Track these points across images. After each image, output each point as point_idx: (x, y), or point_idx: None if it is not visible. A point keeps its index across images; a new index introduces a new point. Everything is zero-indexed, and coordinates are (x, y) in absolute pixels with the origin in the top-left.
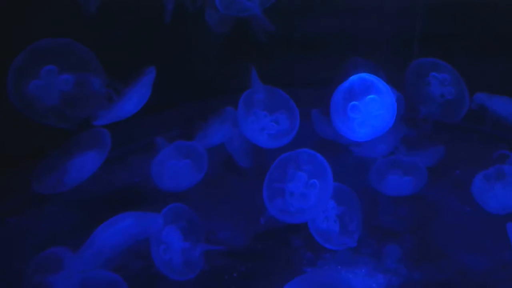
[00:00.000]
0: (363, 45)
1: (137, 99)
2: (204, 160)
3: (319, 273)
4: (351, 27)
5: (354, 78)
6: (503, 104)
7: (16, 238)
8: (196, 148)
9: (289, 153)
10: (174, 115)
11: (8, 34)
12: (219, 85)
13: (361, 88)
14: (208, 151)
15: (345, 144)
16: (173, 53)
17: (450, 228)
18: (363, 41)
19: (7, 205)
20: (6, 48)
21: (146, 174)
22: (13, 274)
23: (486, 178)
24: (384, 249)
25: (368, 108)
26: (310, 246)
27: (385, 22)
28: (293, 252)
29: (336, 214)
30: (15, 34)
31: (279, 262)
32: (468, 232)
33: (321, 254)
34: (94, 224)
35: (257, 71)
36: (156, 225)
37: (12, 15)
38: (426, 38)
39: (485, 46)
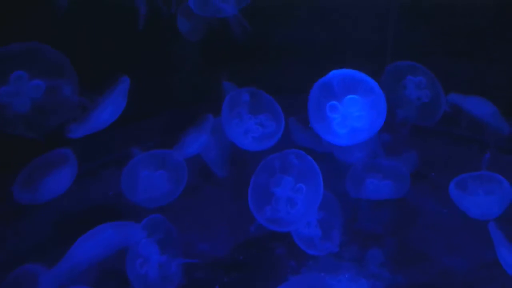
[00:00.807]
0: (339, 51)
1: (112, 109)
2: (182, 171)
3: (303, 279)
4: (328, 34)
5: (334, 73)
6: (477, 104)
7: None
8: (173, 157)
9: (276, 154)
10: (150, 126)
11: None
12: (196, 94)
13: (342, 86)
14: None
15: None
16: (148, 61)
17: (429, 230)
18: (338, 47)
19: None
20: None
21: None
22: None
23: (464, 183)
24: (366, 254)
25: (348, 108)
26: (292, 254)
27: (361, 28)
28: (276, 260)
29: (317, 220)
30: None
31: (262, 270)
32: (447, 234)
33: (304, 261)
34: (68, 240)
35: (234, 78)
36: (136, 235)
37: None
38: (402, 42)
39: (458, 48)
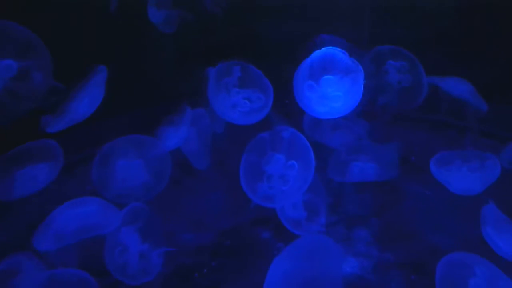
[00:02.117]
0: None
1: (89, 100)
2: (165, 162)
3: (306, 240)
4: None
5: (316, 54)
6: (454, 84)
7: None
8: (155, 145)
9: (266, 132)
10: (127, 121)
11: None
12: (172, 87)
13: (320, 66)
14: None
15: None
16: (121, 55)
17: (414, 211)
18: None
19: None
20: None
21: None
22: None
23: (447, 159)
24: (353, 234)
25: (324, 88)
26: (279, 236)
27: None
28: (263, 244)
29: (303, 201)
30: None
31: (250, 254)
32: (432, 214)
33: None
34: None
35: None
36: (115, 221)
37: None
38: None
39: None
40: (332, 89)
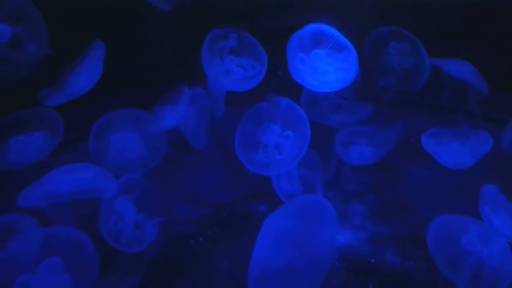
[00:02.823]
0: None
1: (88, 75)
2: (161, 138)
3: (300, 199)
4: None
5: (308, 27)
6: (456, 66)
7: None
8: (150, 120)
9: (262, 103)
10: (126, 100)
11: None
12: (171, 67)
13: (312, 40)
14: None
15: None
16: (119, 34)
17: (411, 189)
18: None
19: None
20: None
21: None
22: None
23: (438, 134)
24: (349, 209)
25: (314, 62)
26: (275, 210)
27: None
28: (258, 216)
29: (299, 176)
30: None
31: (245, 225)
32: (428, 191)
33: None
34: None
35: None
36: (110, 189)
37: None
38: None
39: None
40: (322, 63)
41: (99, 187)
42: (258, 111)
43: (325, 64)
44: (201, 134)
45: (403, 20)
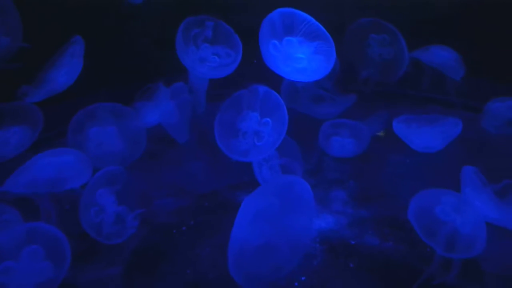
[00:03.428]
0: None
1: (68, 70)
2: (140, 132)
3: (277, 180)
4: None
5: (279, 12)
6: (438, 52)
7: None
8: (130, 114)
9: (241, 91)
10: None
11: None
12: (149, 63)
13: (282, 26)
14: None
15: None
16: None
17: (392, 175)
18: None
19: None
20: None
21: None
22: None
23: (409, 119)
24: (330, 195)
25: (288, 49)
26: None
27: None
28: (240, 205)
29: (280, 164)
30: None
31: (227, 214)
32: (409, 177)
33: None
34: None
35: None
36: (88, 174)
37: None
38: None
39: None
40: (295, 50)
41: (78, 171)
42: (237, 99)
43: (298, 52)
44: (183, 128)
45: (383, 12)
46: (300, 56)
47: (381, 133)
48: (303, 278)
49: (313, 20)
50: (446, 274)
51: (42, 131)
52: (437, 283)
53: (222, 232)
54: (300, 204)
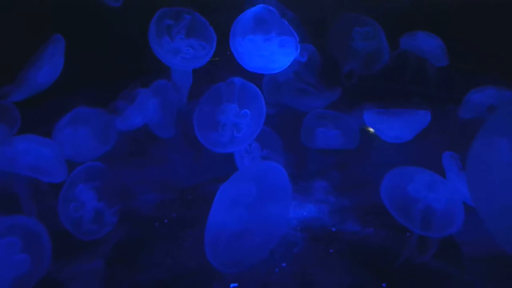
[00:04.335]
0: None
1: (49, 68)
2: (110, 129)
3: (254, 166)
4: None
5: (249, 11)
6: (426, 39)
7: None
8: (98, 115)
9: (219, 83)
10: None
11: None
12: (129, 62)
13: (253, 24)
14: None
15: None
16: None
17: (375, 166)
18: None
19: None
20: None
21: None
22: None
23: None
24: (312, 185)
25: (251, 46)
26: None
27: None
28: None
29: (261, 156)
30: None
31: (209, 206)
32: (392, 166)
33: None
34: None
35: None
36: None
37: None
38: None
39: None
40: (260, 47)
41: (52, 168)
42: (215, 92)
43: (262, 48)
44: (167, 125)
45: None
46: (266, 53)
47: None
48: (283, 265)
49: (279, 17)
50: (424, 254)
51: (23, 130)
52: (416, 265)
53: (204, 224)
54: (277, 189)
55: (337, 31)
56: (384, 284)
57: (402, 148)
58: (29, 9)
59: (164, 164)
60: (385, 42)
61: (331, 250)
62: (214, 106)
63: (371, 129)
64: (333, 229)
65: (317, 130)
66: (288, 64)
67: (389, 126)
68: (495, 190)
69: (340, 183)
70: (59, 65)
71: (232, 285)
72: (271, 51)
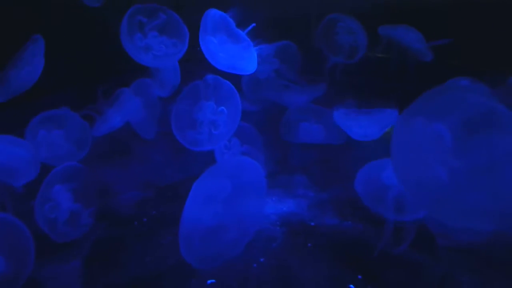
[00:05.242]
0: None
1: (30, 69)
2: (86, 134)
3: (228, 161)
4: None
5: (209, 13)
6: (405, 32)
7: None
8: (74, 118)
9: (196, 81)
10: (68, 96)
11: None
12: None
13: (213, 25)
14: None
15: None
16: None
17: (355, 159)
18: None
19: None
20: None
21: None
22: None
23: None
24: (292, 180)
25: (210, 45)
26: None
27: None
28: None
29: (241, 152)
30: None
31: None
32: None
33: None
34: None
35: None
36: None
37: None
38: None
39: None
40: (217, 48)
41: (25, 169)
42: (192, 90)
43: (219, 50)
44: (149, 124)
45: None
46: (223, 55)
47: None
48: (261, 260)
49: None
50: (400, 246)
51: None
52: (392, 256)
53: None
54: (251, 185)
55: (322, 26)
56: (359, 276)
57: (382, 141)
58: (9, 10)
59: (146, 163)
60: (364, 38)
61: (310, 244)
62: (191, 104)
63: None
64: (312, 223)
65: (300, 124)
66: (254, 67)
67: (357, 124)
68: (411, 166)
69: (320, 178)
70: (39, 66)
71: (209, 281)
72: (235, 52)
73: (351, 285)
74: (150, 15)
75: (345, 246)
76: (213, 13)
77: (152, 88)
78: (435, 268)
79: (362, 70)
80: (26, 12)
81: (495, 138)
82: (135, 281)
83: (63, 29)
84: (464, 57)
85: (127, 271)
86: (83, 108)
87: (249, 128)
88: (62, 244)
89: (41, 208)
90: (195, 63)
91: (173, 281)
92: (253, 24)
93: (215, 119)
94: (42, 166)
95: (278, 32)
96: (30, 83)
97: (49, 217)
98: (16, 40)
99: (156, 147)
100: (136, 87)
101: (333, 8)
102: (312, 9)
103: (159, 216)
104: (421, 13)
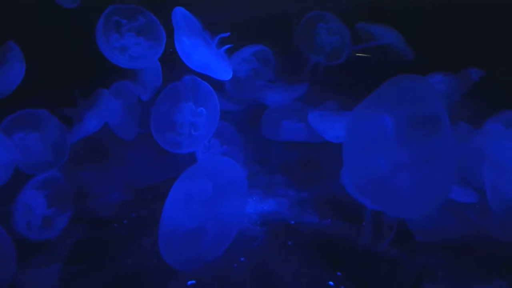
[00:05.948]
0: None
1: (8, 73)
2: (62, 135)
3: (206, 162)
4: None
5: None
6: (383, 31)
7: None
8: (48, 120)
9: (175, 83)
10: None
11: None
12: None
13: (181, 25)
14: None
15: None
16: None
17: (335, 159)
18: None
19: None
20: None
21: None
22: None
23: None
24: (273, 180)
25: (182, 45)
26: None
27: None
28: None
29: (221, 152)
30: None
31: None
32: None
33: None
34: None
35: None
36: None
37: None
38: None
39: None
40: (190, 50)
41: None
42: (170, 91)
43: (187, 49)
44: (130, 126)
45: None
46: (200, 57)
47: None
48: (242, 259)
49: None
50: (382, 240)
51: None
52: (371, 253)
53: None
54: (231, 185)
55: (303, 27)
56: (338, 273)
57: None
58: None
59: (125, 165)
60: (349, 39)
61: (290, 243)
62: (171, 106)
63: None
64: (292, 222)
65: (282, 123)
66: (227, 70)
67: (331, 126)
68: (358, 157)
69: (301, 177)
70: (21, 70)
71: (189, 282)
72: (209, 55)
73: (331, 282)
74: (129, 16)
75: (325, 244)
76: (183, 11)
77: (132, 89)
78: (413, 264)
79: (344, 69)
80: (1, 14)
81: (432, 140)
82: (116, 282)
83: (41, 31)
84: (445, 56)
85: (107, 273)
86: (61, 111)
87: (228, 128)
88: (41, 248)
89: (16, 213)
90: (170, 64)
91: (153, 282)
92: (228, 33)
93: (194, 120)
94: (16, 170)
95: (258, 32)
96: (13, 86)
97: (23, 222)
98: None
99: (136, 148)
100: (116, 89)
101: (314, 7)
102: (293, 8)
103: (139, 218)
104: (400, 13)
